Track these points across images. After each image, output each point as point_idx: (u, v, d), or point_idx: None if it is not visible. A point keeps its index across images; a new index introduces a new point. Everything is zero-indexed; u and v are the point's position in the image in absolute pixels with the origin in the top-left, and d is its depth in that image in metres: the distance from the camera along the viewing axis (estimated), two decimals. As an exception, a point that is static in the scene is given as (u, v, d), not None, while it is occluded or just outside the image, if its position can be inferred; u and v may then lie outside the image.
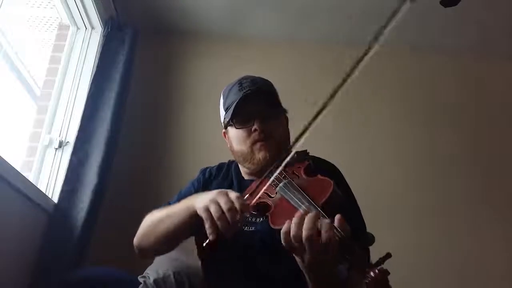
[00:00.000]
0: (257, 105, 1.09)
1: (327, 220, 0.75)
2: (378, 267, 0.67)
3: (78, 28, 2.14)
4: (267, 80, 1.20)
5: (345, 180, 1.14)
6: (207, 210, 0.86)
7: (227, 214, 0.84)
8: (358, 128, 2.38)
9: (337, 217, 0.76)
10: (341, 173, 1.16)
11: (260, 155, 1.08)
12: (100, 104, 1.93)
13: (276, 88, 1.22)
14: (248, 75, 1.17)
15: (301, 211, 0.80)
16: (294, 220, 0.77)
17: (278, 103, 1.17)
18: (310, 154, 1.10)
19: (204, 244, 0.86)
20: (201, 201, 0.89)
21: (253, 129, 1.08)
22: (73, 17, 2.07)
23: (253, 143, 1.09)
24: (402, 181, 2.28)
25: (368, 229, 1.05)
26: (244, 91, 1.09)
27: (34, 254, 1.59)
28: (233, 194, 0.87)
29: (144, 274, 1.14)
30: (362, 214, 1.09)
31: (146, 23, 2.37)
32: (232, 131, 1.14)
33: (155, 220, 1.04)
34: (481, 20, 2.30)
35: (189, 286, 1.13)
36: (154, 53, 2.43)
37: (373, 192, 2.06)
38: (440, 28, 2.38)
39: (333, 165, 1.18)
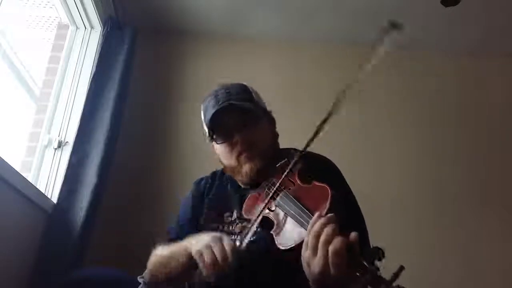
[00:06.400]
0: (235, 116, 1.07)
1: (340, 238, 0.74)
2: (395, 285, 0.64)
3: (77, 28, 2.14)
4: (242, 86, 1.15)
5: (343, 179, 1.13)
6: (201, 255, 0.88)
7: (220, 262, 0.86)
8: (358, 128, 2.37)
9: (353, 235, 0.74)
10: (338, 171, 1.14)
11: (246, 167, 1.07)
12: (99, 103, 1.93)
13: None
14: (223, 85, 1.15)
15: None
16: (314, 229, 0.78)
17: (257, 108, 1.12)
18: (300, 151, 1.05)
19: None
20: (196, 245, 0.91)
21: (234, 141, 1.07)
22: (72, 16, 2.06)
23: (238, 155, 1.08)
24: (402, 181, 2.28)
25: (369, 230, 1.05)
26: (219, 104, 1.07)
27: (34, 255, 1.58)
28: (226, 243, 0.88)
29: (143, 275, 1.13)
30: (363, 214, 1.08)
31: (146, 22, 2.36)
32: (217, 146, 1.12)
33: (161, 260, 1.05)
34: (481, 20, 2.30)
35: (188, 286, 1.13)
36: (153, 52, 2.43)
37: (373, 192, 2.06)
38: (440, 28, 2.38)
39: (329, 164, 1.16)
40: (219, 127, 1.09)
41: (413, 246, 2.12)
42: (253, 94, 1.15)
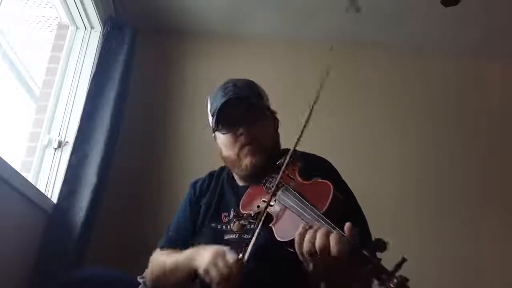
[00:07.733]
0: (242, 109, 1.09)
1: (337, 233, 0.74)
2: (397, 275, 0.65)
3: (77, 28, 2.14)
4: (251, 82, 1.18)
5: (341, 178, 1.13)
6: (208, 273, 0.89)
7: (227, 278, 0.87)
8: (358, 128, 2.37)
9: (347, 226, 0.75)
10: (335, 170, 1.15)
11: (246, 161, 1.08)
12: (99, 103, 1.93)
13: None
14: (232, 79, 1.17)
15: (310, 227, 0.79)
16: (307, 237, 0.77)
17: (264, 106, 1.15)
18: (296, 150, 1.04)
19: None
20: (201, 262, 0.92)
21: (238, 133, 1.08)
22: (72, 16, 2.06)
23: (240, 148, 1.08)
24: (402, 181, 2.28)
25: (370, 230, 1.05)
26: (228, 96, 1.08)
27: (34, 255, 1.58)
28: (230, 257, 0.89)
29: (143, 275, 1.13)
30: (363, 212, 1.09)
31: (146, 22, 2.36)
32: (220, 137, 1.13)
33: (166, 270, 1.05)
34: (481, 20, 2.30)
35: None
36: (153, 52, 2.43)
37: (373, 192, 2.06)
38: (440, 28, 2.38)
39: (326, 163, 1.17)
40: (225, 117, 1.10)
41: (413, 246, 2.11)
42: (260, 91, 1.17)
